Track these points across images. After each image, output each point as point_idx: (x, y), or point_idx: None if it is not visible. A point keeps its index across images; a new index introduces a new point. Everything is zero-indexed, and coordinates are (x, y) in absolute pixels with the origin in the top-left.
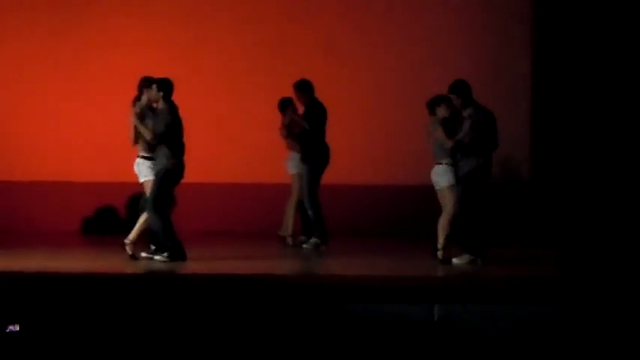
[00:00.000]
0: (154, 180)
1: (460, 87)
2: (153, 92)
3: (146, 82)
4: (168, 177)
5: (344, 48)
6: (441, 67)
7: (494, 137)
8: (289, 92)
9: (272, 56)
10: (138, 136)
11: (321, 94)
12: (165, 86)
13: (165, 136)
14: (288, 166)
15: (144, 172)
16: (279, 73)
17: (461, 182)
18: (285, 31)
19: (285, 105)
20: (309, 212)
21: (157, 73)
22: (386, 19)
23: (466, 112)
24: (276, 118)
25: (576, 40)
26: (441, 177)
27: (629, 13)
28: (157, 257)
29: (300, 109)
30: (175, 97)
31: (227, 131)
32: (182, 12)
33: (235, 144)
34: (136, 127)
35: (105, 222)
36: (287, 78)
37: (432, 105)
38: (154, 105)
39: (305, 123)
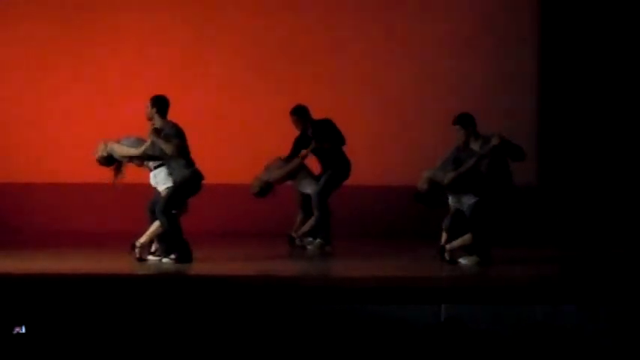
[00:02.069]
0: (171, 186)
1: (463, 119)
2: (148, 109)
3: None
4: (187, 186)
5: (350, 49)
6: (448, 70)
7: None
8: (293, 93)
9: (278, 56)
10: None
11: (327, 95)
12: (159, 102)
13: (181, 147)
14: (302, 187)
15: (162, 180)
16: (284, 74)
17: (480, 202)
18: (291, 31)
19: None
20: (316, 212)
21: (163, 74)
22: (393, 22)
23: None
24: (280, 118)
25: (583, 42)
26: (456, 202)
27: (637, 13)
28: (164, 260)
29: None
30: (180, 97)
31: (232, 131)
32: (187, 10)
33: (241, 144)
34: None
35: None
36: (293, 78)
37: None
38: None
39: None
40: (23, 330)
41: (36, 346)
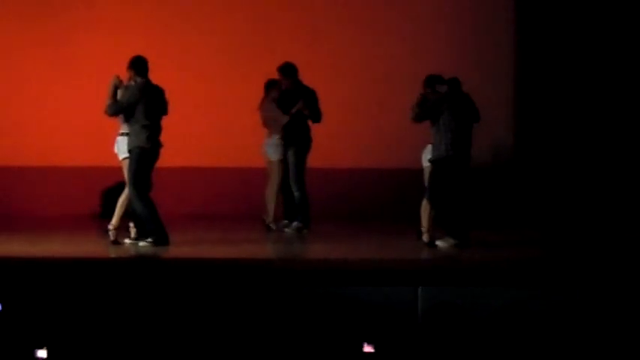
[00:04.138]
0: (129, 161)
1: (430, 80)
2: (130, 74)
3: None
4: (143, 157)
5: (330, 34)
6: (425, 52)
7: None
8: (274, 77)
9: (258, 41)
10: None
11: (307, 79)
12: (136, 63)
13: (126, 109)
14: (267, 152)
15: (122, 149)
16: (265, 59)
17: (433, 163)
18: (272, 17)
19: (269, 86)
20: (297, 194)
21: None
22: (371, 6)
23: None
24: (255, 103)
25: (559, 22)
26: (424, 156)
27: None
28: (140, 243)
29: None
30: (161, 82)
31: (212, 115)
32: None
33: (220, 128)
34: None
35: None
36: (273, 63)
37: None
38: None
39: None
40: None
41: (13, 327)
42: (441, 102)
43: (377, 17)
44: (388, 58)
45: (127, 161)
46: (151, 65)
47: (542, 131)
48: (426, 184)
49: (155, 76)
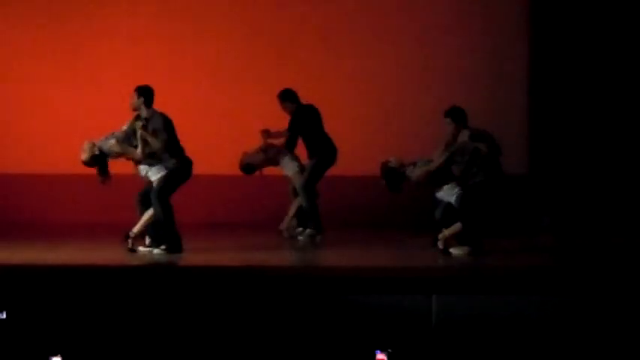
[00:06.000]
0: (165, 173)
1: (454, 112)
2: (134, 100)
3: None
4: (180, 172)
5: (342, 41)
6: (438, 61)
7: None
8: (287, 84)
9: (270, 48)
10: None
11: (319, 86)
12: (145, 92)
13: (170, 140)
14: (284, 169)
15: (155, 170)
16: (277, 66)
17: (468, 189)
18: (283, 24)
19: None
20: (303, 203)
21: (153, 66)
22: (384, 12)
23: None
24: (268, 110)
25: (573, 33)
26: (447, 196)
27: (624, 6)
28: (155, 250)
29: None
30: (173, 90)
31: (224, 123)
32: (179, 3)
33: (230, 135)
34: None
35: None
36: (285, 70)
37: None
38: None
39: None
40: (4, 316)
41: (28, 335)
42: (470, 148)
43: (390, 25)
44: (397, 68)
45: (160, 178)
46: (165, 73)
47: (556, 139)
48: (459, 206)
49: (172, 85)
